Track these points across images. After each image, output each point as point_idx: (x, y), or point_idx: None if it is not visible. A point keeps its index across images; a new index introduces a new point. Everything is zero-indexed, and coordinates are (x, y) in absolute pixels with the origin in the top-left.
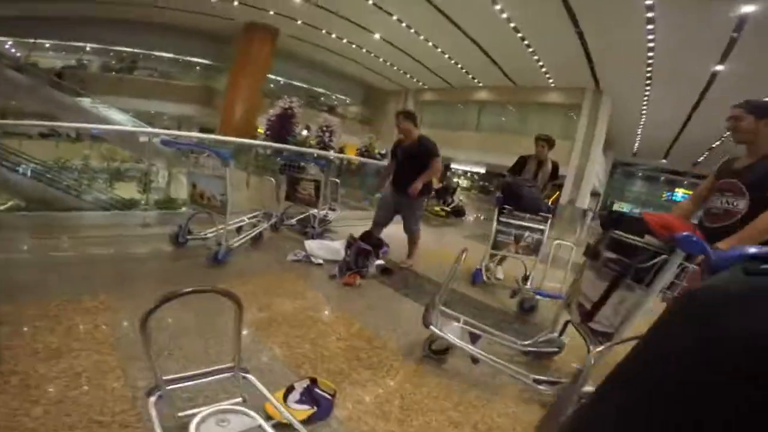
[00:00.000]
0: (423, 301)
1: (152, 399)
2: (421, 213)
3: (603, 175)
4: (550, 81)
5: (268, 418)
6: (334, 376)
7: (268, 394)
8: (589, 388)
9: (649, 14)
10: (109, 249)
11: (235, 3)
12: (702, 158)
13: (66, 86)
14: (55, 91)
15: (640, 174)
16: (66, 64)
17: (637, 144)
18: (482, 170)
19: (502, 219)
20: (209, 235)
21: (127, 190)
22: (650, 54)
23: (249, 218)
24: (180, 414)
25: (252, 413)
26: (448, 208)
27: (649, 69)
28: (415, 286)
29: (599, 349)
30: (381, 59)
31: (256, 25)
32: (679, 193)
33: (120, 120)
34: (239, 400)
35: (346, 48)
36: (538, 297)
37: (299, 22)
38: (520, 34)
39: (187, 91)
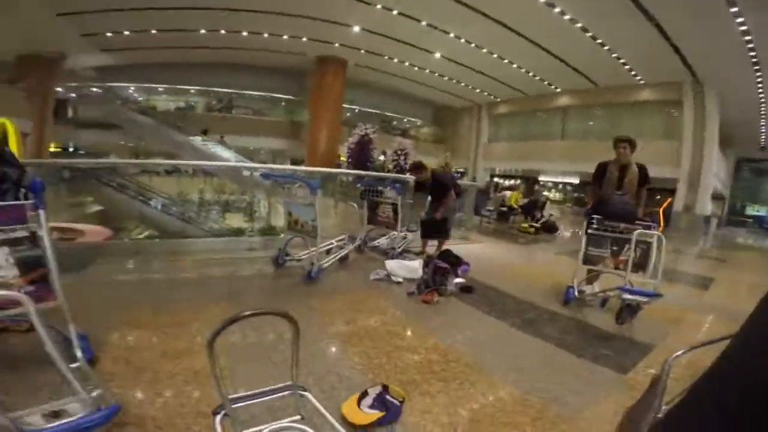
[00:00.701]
0: (504, 318)
1: (218, 417)
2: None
3: (726, 176)
4: (638, 78)
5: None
6: (405, 385)
7: (324, 411)
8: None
9: None
10: (223, 269)
11: (304, 39)
12: None
13: (182, 127)
14: (173, 131)
15: None
16: (177, 106)
17: (763, 137)
18: (575, 180)
19: (591, 231)
20: (303, 257)
21: (235, 220)
22: (747, 38)
23: (336, 241)
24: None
25: (309, 430)
26: (537, 225)
27: (752, 54)
28: (498, 304)
29: (678, 353)
30: (446, 77)
31: (326, 57)
32: None
33: (226, 156)
34: (298, 417)
35: (410, 70)
36: (627, 297)
37: (362, 51)
38: (589, 33)
39: (277, 126)
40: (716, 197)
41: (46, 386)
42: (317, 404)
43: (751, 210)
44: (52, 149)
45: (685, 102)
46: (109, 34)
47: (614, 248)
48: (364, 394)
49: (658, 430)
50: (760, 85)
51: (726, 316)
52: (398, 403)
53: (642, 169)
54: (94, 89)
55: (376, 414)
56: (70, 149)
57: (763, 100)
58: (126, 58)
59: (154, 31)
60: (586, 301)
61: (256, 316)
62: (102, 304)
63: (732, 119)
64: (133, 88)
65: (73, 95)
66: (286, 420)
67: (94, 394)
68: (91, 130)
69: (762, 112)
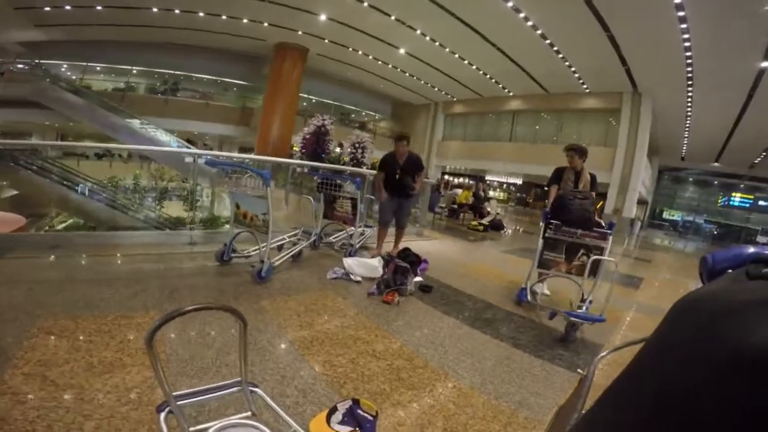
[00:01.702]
0: (463, 318)
1: (162, 415)
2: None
3: (649, 182)
4: (585, 87)
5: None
6: (375, 396)
7: (277, 408)
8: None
9: (680, 13)
10: (159, 266)
11: (266, 24)
12: (759, 159)
13: (117, 108)
14: (108, 113)
15: (690, 179)
16: (115, 87)
17: (685, 148)
18: (518, 181)
19: (549, 236)
20: (252, 253)
21: (175, 209)
22: (687, 54)
23: (289, 236)
24: (191, 429)
25: (262, 426)
26: (486, 222)
27: (689, 70)
28: (456, 303)
29: (603, 354)
30: (408, 74)
31: (286, 45)
32: (737, 197)
33: (166, 141)
34: (248, 414)
35: (373, 64)
36: (574, 320)
37: (326, 40)
38: (548, 41)
39: (226, 112)
40: (640, 202)
41: None
42: (269, 400)
43: (668, 214)
44: None
45: (623, 111)
46: (47, 9)
47: (569, 253)
48: (333, 410)
49: (579, 429)
50: (689, 101)
51: (657, 314)
52: (371, 418)
53: (592, 176)
54: (20, 65)
55: (348, 431)
56: None
57: (689, 113)
58: (62, 33)
59: (99, 8)
60: (537, 302)
61: (200, 311)
62: (11, 307)
63: (660, 130)
64: (66, 66)
65: None
66: (236, 416)
67: None
68: (12, 108)
69: (687, 125)
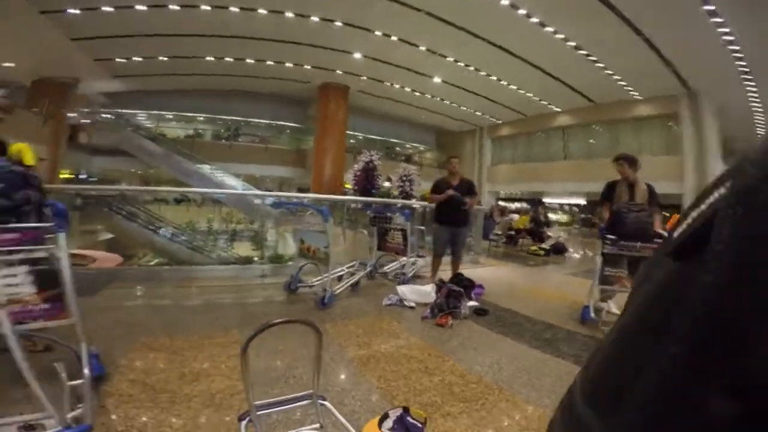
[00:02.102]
0: (521, 338)
1: (243, 423)
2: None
3: None
4: (633, 93)
5: None
6: (426, 407)
7: (343, 419)
8: None
9: (707, 7)
10: (233, 296)
11: (308, 66)
12: None
13: (190, 154)
14: (182, 159)
15: None
16: (186, 134)
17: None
18: (581, 201)
19: (607, 251)
20: (315, 283)
21: (243, 249)
22: (734, 48)
23: (348, 267)
24: None
25: None
26: (546, 247)
27: (741, 63)
28: (513, 324)
29: None
30: (447, 101)
31: (328, 84)
32: None
33: (234, 185)
34: (317, 426)
35: (411, 95)
36: None
37: (364, 77)
38: (582, 51)
39: (283, 154)
40: None
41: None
42: (336, 413)
43: None
44: (63, 176)
45: (682, 114)
46: (120, 60)
47: (631, 267)
48: (385, 417)
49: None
50: (754, 95)
51: None
52: (420, 425)
53: (649, 187)
54: (106, 115)
55: None
56: (81, 176)
57: (758, 110)
58: (137, 84)
59: (162, 58)
60: (602, 319)
61: (283, 324)
62: (117, 327)
63: (733, 130)
64: (143, 115)
65: (86, 121)
66: (306, 428)
67: (76, 412)
68: (102, 156)
69: (757, 123)
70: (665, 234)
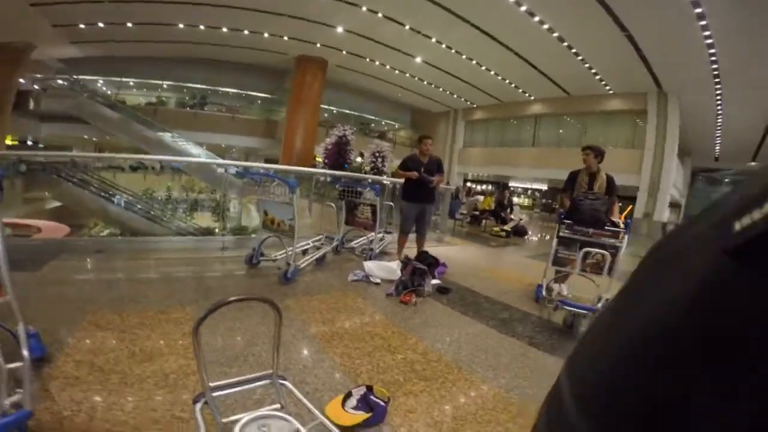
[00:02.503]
0: (481, 319)
1: (198, 405)
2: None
3: (682, 185)
4: (608, 88)
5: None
6: (389, 385)
7: (304, 399)
8: None
9: (697, 10)
10: (191, 269)
11: (286, 38)
12: None
13: (150, 122)
14: (142, 127)
15: (726, 180)
16: (148, 101)
17: (718, 148)
18: (543, 187)
19: (562, 234)
20: (279, 257)
21: (204, 219)
22: (711, 51)
23: (313, 242)
24: (224, 420)
25: (290, 418)
26: (508, 228)
27: (714, 67)
28: (473, 304)
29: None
30: (425, 82)
31: (306, 57)
32: None
33: (196, 153)
34: (277, 406)
35: (391, 73)
36: (566, 308)
37: (344, 52)
38: (565, 43)
39: (252, 125)
40: (673, 205)
41: None
42: (297, 393)
43: None
44: (9, 142)
45: (650, 112)
46: (82, 26)
47: (583, 251)
48: (348, 395)
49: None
50: (719, 99)
51: None
52: (383, 404)
53: (609, 178)
54: (60, 81)
55: (361, 415)
56: (29, 143)
57: (720, 112)
58: (97, 50)
59: (130, 24)
60: (552, 300)
61: (240, 302)
62: (63, 303)
63: (691, 130)
64: (101, 82)
65: (37, 87)
66: (265, 408)
67: (14, 397)
68: (53, 123)
69: (718, 124)
70: (620, 222)
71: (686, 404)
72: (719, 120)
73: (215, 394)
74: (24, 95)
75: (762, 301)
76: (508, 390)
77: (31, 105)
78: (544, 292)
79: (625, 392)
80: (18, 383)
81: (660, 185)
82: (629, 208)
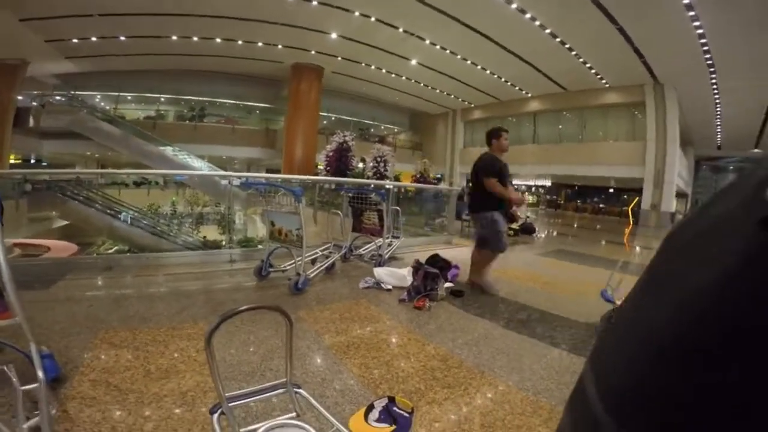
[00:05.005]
0: (499, 321)
1: (215, 416)
2: (490, 230)
3: (687, 174)
4: (604, 81)
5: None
6: (410, 395)
7: (319, 406)
8: None
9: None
10: (201, 283)
11: (280, 46)
12: None
13: (151, 136)
14: (143, 142)
15: (731, 167)
16: (147, 115)
17: (719, 136)
18: (547, 183)
19: None
20: (288, 267)
21: (210, 232)
22: (702, 41)
23: (321, 250)
24: (241, 430)
25: (307, 426)
26: (516, 227)
27: (707, 57)
28: (489, 305)
29: None
30: (422, 84)
31: (301, 65)
32: None
33: (198, 167)
34: (293, 414)
35: (387, 77)
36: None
37: (339, 58)
38: (558, 39)
39: (252, 135)
40: (680, 195)
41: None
42: (313, 401)
43: None
44: (12, 161)
45: (648, 103)
46: (75, 41)
47: None
48: (370, 408)
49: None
50: (715, 87)
51: None
52: (407, 415)
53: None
54: (58, 97)
55: (385, 428)
56: (32, 161)
57: (717, 101)
58: (92, 65)
59: (122, 38)
60: None
61: (252, 313)
62: (74, 322)
63: (691, 120)
64: (99, 97)
65: (35, 104)
66: (282, 417)
67: (33, 421)
68: (55, 140)
69: (717, 113)
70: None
71: (721, 394)
72: (718, 108)
73: (231, 403)
74: (23, 113)
75: None
76: (535, 393)
77: (31, 122)
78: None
79: (652, 386)
80: (35, 405)
81: (665, 176)
82: (635, 200)
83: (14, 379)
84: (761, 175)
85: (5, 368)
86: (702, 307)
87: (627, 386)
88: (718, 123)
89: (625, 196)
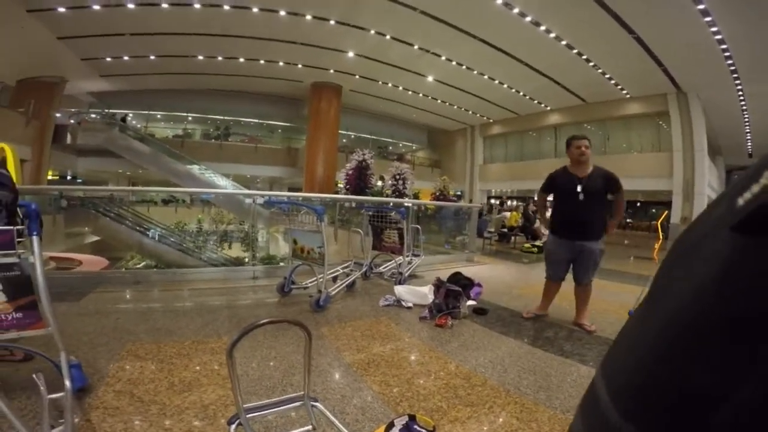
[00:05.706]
0: (524, 338)
1: (232, 427)
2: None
3: (718, 185)
4: (624, 92)
5: None
6: (432, 413)
7: (336, 420)
8: None
9: (699, 6)
10: (225, 299)
11: (300, 65)
12: None
13: (179, 155)
14: (171, 160)
15: None
16: (175, 134)
17: (750, 144)
18: None
19: None
20: (310, 284)
21: (234, 250)
22: (723, 47)
23: (342, 268)
24: None
25: None
26: (539, 244)
27: (730, 63)
28: (513, 323)
29: None
30: (439, 100)
31: (321, 84)
32: None
33: (224, 185)
34: (309, 428)
35: (404, 94)
36: None
37: (357, 76)
38: (575, 50)
39: (274, 154)
40: None
41: (25, 415)
42: (329, 415)
43: None
44: (50, 177)
45: (672, 113)
46: (108, 59)
47: None
48: (391, 426)
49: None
50: (740, 94)
51: None
52: None
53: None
54: (93, 115)
55: None
56: (68, 177)
57: (744, 108)
58: (125, 83)
59: (152, 57)
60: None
61: (273, 327)
62: (102, 333)
63: (718, 128)
64: (131, 115)
65: (72, 121)
66: (298, 430)
67: (57, 429)
68: (89, 157)
69: (746, 120)
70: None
71: (719, 391)
72: (746, 116)
73: (249, 415)
74: (61, 130)
75: None
76: (564, 411)
77: (68, 139)
78: None
79: (658, 383)
80: (62, 413)
81: (695, 187)
82: (664, 214)
83: (42, 388)
84: (736, 183)
85: (34, 376)
86: (692, 313)
87: (634, 387)
88: (747, 130)
89: (654, 210)
